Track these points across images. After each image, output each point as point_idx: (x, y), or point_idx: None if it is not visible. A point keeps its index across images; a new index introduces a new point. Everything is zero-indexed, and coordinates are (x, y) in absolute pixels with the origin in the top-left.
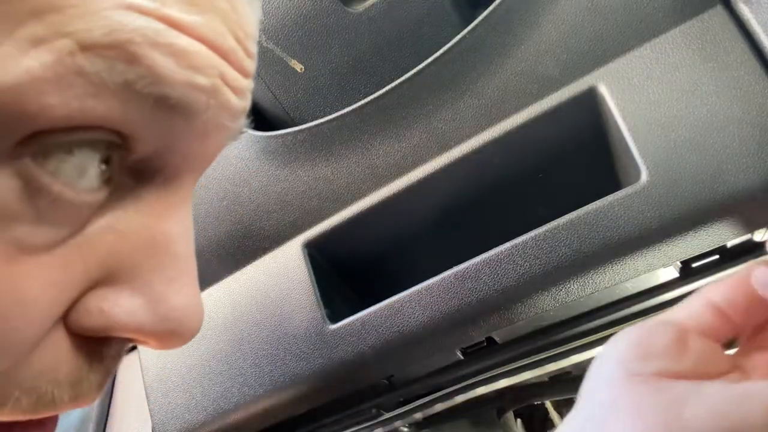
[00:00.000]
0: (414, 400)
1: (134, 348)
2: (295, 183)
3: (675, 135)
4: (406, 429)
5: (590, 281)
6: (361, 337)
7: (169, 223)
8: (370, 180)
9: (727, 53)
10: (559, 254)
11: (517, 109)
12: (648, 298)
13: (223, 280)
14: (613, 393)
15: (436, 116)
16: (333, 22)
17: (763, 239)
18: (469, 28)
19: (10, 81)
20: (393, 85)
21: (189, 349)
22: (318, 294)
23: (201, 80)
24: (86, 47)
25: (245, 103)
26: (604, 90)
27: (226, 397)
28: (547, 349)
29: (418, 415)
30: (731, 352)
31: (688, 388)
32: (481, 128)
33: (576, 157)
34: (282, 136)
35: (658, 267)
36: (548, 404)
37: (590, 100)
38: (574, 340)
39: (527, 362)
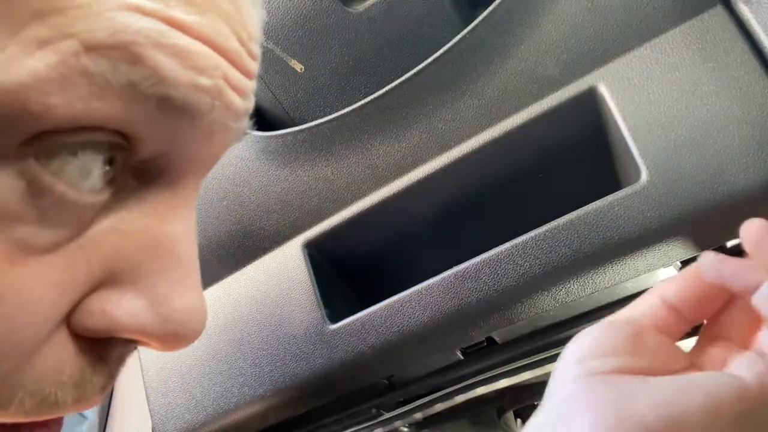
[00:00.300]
0: (414, 400)
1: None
2: (295, 183)
3: (675, 135)
4: (406, 429)
5: (590, 281)
6: (361, 337)
7: (172, 225)
8: (370, 180)
9: (727, 53)
10: (559, 254)
11: (517, 109)
12: None
13: (223, 280)
14: (573, 390)
15: (436, 116)
16: (333, 22)
17: None
18: (469, 28)
19: (14, 82)
20: (393, 85)
21: (189, 349)
22: (318, 294)
23: (204, 81)
24: (90, 48)
25: (248, 104)
26: (604, 90)
27: (226, 397)
28: (547, 349)
29: (418, 415)
30: (688, 347)
31: (638, 382)
32: (481, 128)
33: (576, 157)
34: (282, 136)
35: (658, 267)
36: None
37: (590, 100)
38: None
39: (527, 362)
